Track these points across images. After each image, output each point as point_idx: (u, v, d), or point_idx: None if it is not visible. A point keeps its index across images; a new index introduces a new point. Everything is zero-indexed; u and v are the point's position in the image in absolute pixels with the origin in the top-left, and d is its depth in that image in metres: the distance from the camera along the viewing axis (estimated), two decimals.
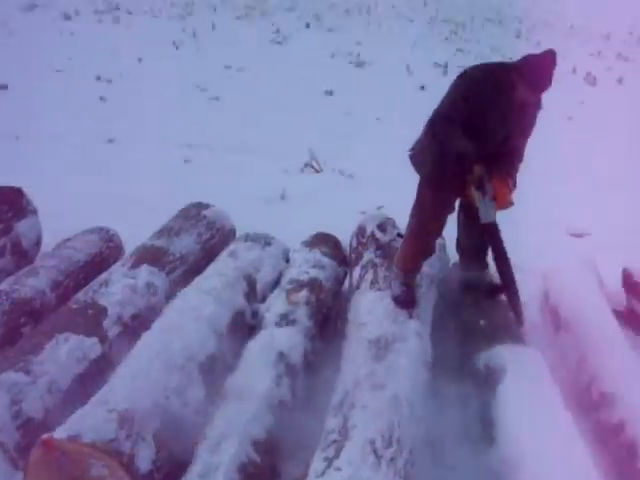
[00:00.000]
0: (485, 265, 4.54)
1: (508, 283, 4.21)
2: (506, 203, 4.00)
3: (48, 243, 5.02)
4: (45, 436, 2.79)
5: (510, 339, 3.92)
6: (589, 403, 3.61)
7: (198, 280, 4.18)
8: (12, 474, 2.90)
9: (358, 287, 4.22)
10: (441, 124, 3.89)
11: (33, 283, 4.18)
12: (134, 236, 4.97)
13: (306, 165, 7.97)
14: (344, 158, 8.31)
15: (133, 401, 3.01)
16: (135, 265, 4.32)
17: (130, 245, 4.90)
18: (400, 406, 3.11)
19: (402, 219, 4.94)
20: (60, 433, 2.80)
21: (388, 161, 8.48)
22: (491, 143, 3.94)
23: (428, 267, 4.42)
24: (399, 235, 4.63)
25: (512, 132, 3.98)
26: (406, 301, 4.02)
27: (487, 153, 3.89)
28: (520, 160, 4.17)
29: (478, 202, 3.98)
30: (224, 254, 4.64)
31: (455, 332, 4.28)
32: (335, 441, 2.88)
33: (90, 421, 2.87)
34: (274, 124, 9.65)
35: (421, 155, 4.04)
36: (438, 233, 4.25)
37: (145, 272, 4.26)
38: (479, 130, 3.85)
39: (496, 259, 4.22)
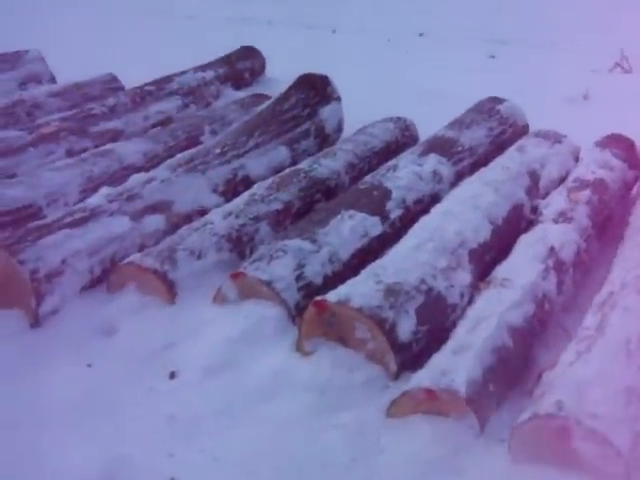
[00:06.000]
0: None
1: None
2: None
3: (348, 130, 5.34)
4: (318, 298, 3.11)
5: None
6: None
7: (482, 171, 4.27)
8: (292, 329, 3.25)
9: None
10: None
11: (329, 164, 4.51)
12: (430, 127, 5.10)
13: (616, 65, 7.52)
14: None
15: (401, 276, 3.22)
16: (424, 153, 4.47)
17: (426, 136, 5.05)
18: None
19: None
20: (332, 297, 3.10)
21: None
22: None
23: None
24: None
25: None
26: None
27: None
28: None
29: None
30: (512, 148, 4.64)
31: None
32: (589, 337, 2.87)
33: (359, 289, 3.13)
34: (581, 17, 9.16)
35: None
36: None
37: (433, 160, 4.40)
38: None
39: None
